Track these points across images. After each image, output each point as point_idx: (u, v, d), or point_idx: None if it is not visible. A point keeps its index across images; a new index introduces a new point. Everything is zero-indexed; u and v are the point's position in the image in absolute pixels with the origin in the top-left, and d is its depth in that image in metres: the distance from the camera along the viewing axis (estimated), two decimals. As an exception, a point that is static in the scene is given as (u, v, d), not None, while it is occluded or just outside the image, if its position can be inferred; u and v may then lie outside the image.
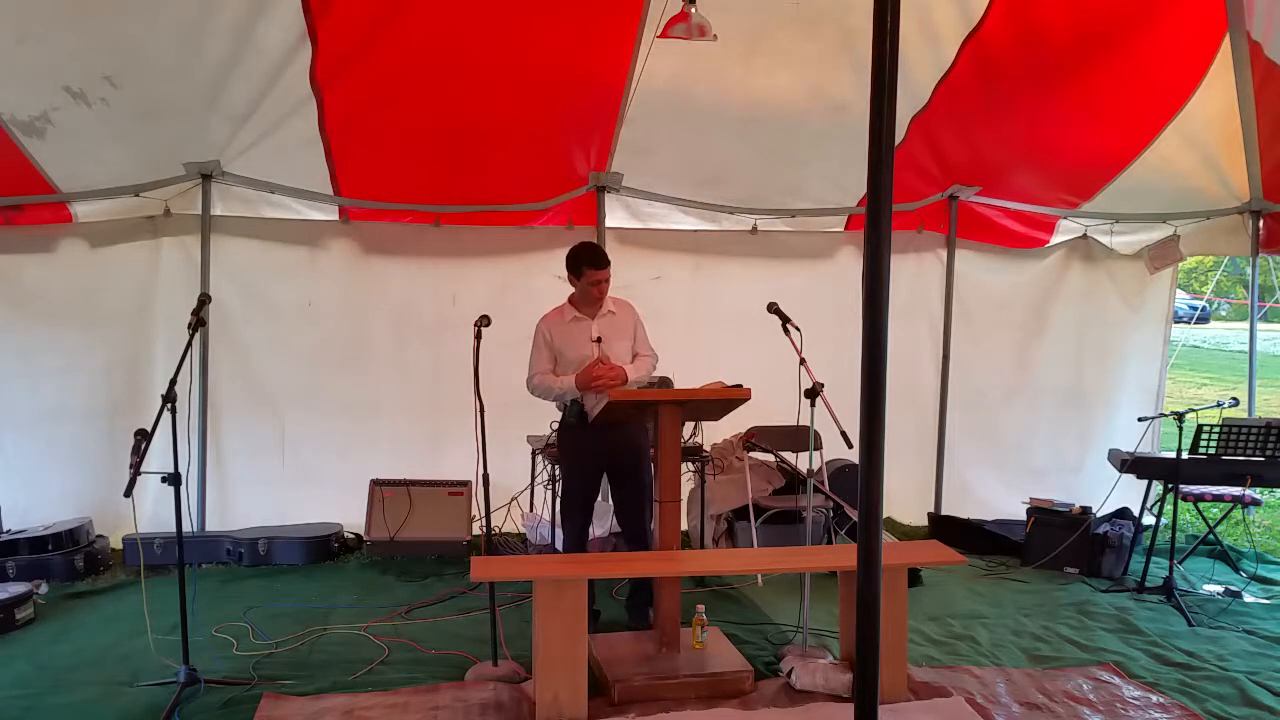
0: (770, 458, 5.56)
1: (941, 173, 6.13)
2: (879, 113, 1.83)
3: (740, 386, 4.02)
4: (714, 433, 5.57)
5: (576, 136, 5.56)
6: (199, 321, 3.80)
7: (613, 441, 4.31)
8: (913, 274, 6.48)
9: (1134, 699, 3.83)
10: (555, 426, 5.25)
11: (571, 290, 4.45)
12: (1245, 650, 4.39)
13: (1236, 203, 6.33)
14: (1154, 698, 3.84)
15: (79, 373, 5.55)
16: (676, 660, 3.90)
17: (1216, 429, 5.28)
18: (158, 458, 3.57)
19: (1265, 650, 4.40)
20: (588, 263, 4.29)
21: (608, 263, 4.31)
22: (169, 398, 3.53)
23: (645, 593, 4.47)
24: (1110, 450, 5.70)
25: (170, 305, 5.60)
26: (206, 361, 5.68)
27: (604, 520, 5.18)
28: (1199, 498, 5.74)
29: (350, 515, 5.80)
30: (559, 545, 5.27)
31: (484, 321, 4.13)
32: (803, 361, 4.12)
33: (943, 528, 6.24)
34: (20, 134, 4.76)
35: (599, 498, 4.69)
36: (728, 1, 4.40)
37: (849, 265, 6.43)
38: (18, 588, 4.53)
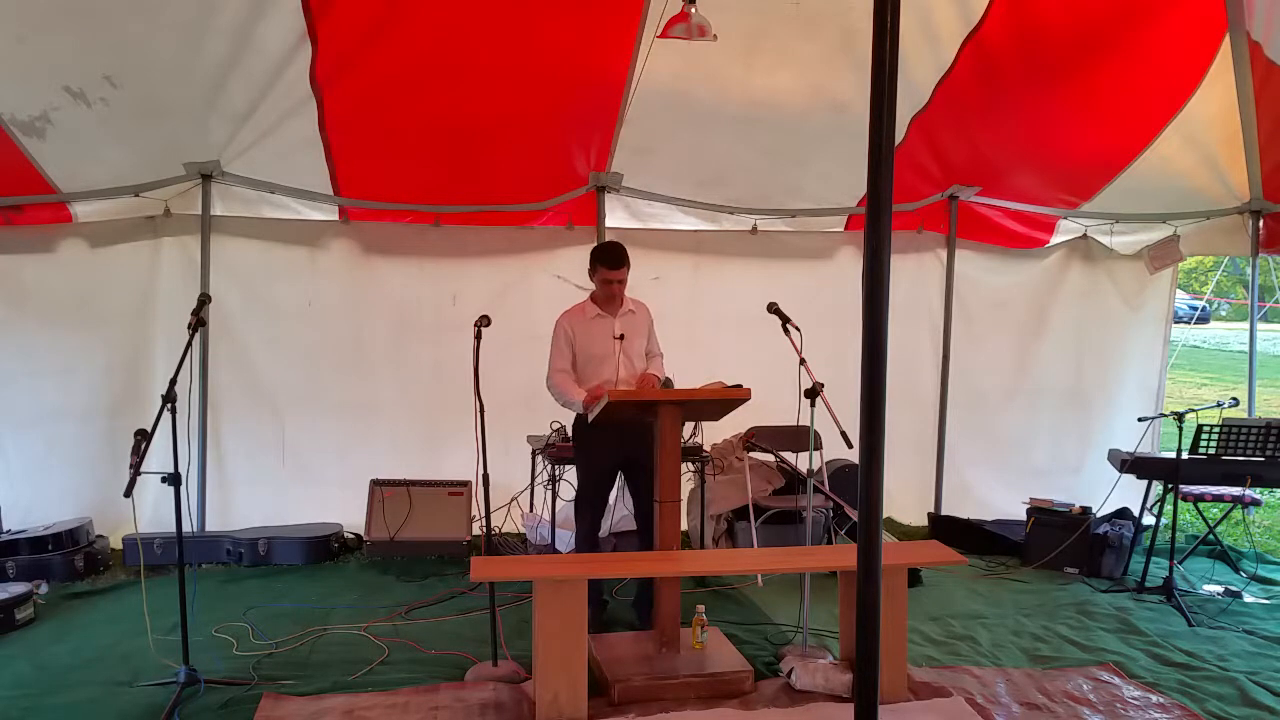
0: (770, 458, 5.56)
1: (941, 173, 6.13)
2: (879, 113, 1.83)
3: (740, 386, 4.02)
4: (714, 433, 5.57)
5: (576, 136, 5.56)
6: (199, 321, 3.81)
7: (629, 439, 4.28)
8: (913, 274, 6.48)
9: (1134, 699, 3.83)
10: (556, 426, 5.28)
11: (594, 288, 4.53)
12: (1245, 650, 4.39)
13: (1236, 203, 6.33)
14: (1154, 698, 3.84)
15: (79, 373, 5.55)
16: (676, 660, 3.90)
17: (1216, 429, 5.28)
18: (158, 458, 3.57)
19: (1265, 650, 4.40)
20: (602, 261, 4.40)
21: (622, 263, 4.39)
22: (169, 398, 3.53)
23: (651, 593, 4.46)
24: (1110, 450, 5.70)
25: (170, 305, 5.59)
26: (206, 361, 5.68)
27: (604, 520, 5.16)
28: (1199, 498, 5.74)
29: (350, 515, 5.80)
30: (559, 545, 5.28)
31: (484, 322, 4.13)
32: (803, 361, 4.12)
33: (943, 528, 6.24)
34: (20, 134, 4.75)
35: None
36: (728, 1, 4.40)
37: (849, 265, 6.43)
38: (18, 588, 4.52)
